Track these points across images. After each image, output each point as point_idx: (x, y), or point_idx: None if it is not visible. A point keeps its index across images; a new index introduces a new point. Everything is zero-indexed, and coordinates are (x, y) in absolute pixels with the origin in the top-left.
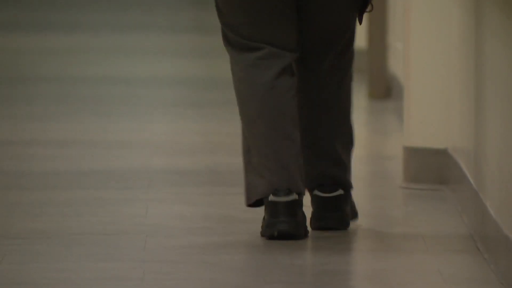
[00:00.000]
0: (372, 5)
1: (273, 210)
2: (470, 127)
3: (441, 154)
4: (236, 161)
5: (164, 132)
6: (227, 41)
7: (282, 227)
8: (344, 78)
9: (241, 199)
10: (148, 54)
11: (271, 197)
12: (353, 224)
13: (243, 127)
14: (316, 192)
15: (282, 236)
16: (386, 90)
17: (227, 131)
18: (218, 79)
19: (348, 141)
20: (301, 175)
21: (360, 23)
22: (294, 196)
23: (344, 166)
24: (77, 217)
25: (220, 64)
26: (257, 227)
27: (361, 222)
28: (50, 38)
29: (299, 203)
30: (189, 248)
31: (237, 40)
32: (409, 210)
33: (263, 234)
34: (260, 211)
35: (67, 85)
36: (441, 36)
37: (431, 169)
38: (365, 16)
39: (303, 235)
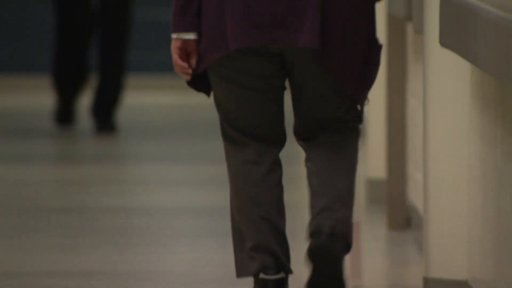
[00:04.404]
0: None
1: (263, 287)
2: (490, 258)
3: (462, 286)
4: None
5: (185, 262)
6: (223, 135)
7: None
8: (341, 147)
9: None
10: (167, 184)
11: (262, 275)
12: None
13: (233, 211)
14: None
15: None
16: (405, 220)
17: None
18: None
19: (345, 202)
20: (287, 256)
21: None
22: (281, 275)
23: (337, 223)
24: None
25: None
26: None
27: None
28: (69, 168)
29: (285, 281)
30: None
31: (231, 134)
32: None
33: None
34: None
35: (86, 216)
36: (461, 167)
37: None
38: (384, 147)
39: None
